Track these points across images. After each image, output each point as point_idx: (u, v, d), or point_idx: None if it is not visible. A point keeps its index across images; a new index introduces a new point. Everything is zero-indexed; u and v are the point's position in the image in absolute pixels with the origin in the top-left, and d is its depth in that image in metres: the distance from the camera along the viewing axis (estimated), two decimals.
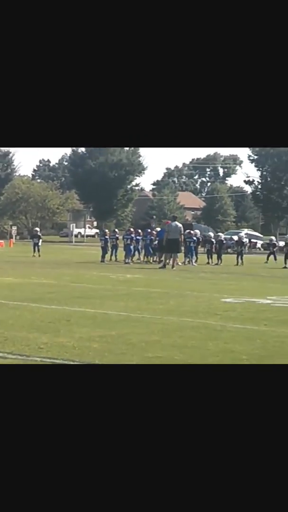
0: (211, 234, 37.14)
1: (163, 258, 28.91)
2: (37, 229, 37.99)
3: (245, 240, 37.58)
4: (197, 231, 34.56)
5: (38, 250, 34.14)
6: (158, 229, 33.56)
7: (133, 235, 32.60)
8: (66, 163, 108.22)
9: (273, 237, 40.37)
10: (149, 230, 33.93)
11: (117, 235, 34.36)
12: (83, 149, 78.84)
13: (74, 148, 79.97)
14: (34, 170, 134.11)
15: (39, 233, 36.17)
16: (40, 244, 34.89)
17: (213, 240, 34.03)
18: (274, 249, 35.51)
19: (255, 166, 73.25)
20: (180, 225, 29.67)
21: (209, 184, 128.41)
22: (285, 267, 30.51)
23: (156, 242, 31.89)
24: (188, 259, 31.52)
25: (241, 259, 32.60)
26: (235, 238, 37.23)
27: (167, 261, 28.14)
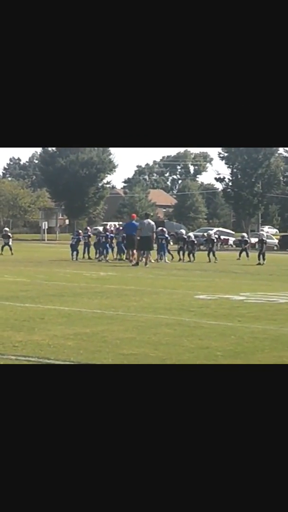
0: (183, 231, 36.99)
1: (135, 256, 28.84)
2: (7, 229, 38.04)
3: (215, 236, 37.55)
4: (165, 229, 34.37)
5: (10, 249, 34.06)
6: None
7: (108, 233, 32.41)
8: (36, 161, 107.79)
9: (244, 234, 40.50)
10: (121, 228, 33.88)
11: (89, 233, 34.26)
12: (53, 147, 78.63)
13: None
14: (5, 169, 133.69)
15: (9, 233, 36.15)
16: (10, 243, 34.81)
17: (185, 237, 34.06)
18: (246, 246, 35.66)
19: (226, 163, 73.45)
20: (152, 222, 29.70)
21: (180, 181, 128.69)
22: (259, 264, 30.67)
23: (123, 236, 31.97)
24: (160, 256, 31.56)
25: (214, 255, 32.60)
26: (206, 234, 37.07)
27: (140, 258, 28.16)
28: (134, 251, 28.67)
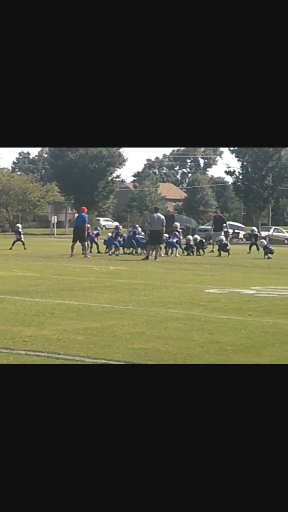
0: (190, 237, 35.80)
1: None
2: (19, 225, 37.73)
3: (229, 231, 37.40)
4: (177, 224, 34.09)
5: (23, 244, 33.81)
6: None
7: (118, 230, 32.48)
8: (45, 156, 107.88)
9: (254, 228, 40.34)
10: (137, 225, 34.08)
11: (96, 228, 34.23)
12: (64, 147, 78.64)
13: None
14: (14, 163, 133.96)
15: (20, 229, 35.91)
16: (23, 238, 34.59)
17: (191, 238, 33.70)
18: (256, 240, 35.51)
19: (236, 156, 73.22)
20: (162, 216, 29.56)
21: (190, 175, 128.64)
22: (269, 258, 30.54)
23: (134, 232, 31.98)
24: (171, 251, 31.52)
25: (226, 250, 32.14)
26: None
27: (150, 252, 28.10)
28: (82, 244, 28.16)
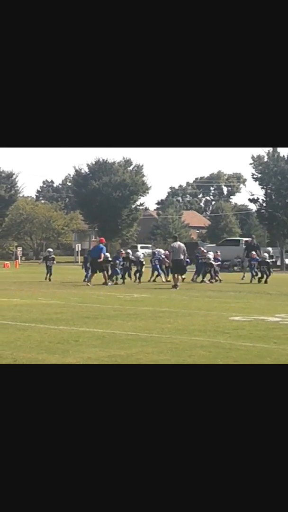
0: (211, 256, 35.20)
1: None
2: (51, 250, 35.27)
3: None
4: (210, 253, 33.60)
5: (50, 273, 31.63)
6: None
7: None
8: (69, 184, 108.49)
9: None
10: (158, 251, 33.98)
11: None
12: (86, 169, 78.99)
13: (77, 168, 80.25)
14: (38, 191, 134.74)
15: (52, 255, 33.37)
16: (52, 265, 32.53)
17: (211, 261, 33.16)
18: None
19: (259, 184, 73.11)
20: (182, 245, 29.30)
21: (213, 202, 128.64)
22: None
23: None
24: (196, 276, 31.63)
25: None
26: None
27: (177, 281, 28.00)
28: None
